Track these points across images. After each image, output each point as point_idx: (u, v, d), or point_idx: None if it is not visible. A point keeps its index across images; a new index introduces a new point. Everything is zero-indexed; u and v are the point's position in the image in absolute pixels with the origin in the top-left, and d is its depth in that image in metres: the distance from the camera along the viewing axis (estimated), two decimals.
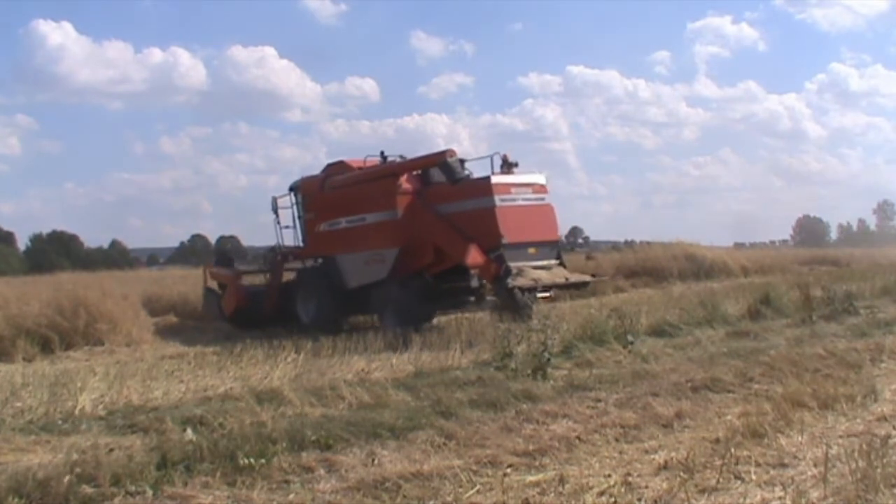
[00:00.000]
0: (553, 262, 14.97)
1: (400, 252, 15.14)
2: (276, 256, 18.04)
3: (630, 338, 10.39)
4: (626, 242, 53.17)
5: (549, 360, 8.77)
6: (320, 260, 16.87)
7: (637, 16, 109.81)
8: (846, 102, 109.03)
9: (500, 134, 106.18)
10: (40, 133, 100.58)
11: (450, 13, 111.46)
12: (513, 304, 14.02)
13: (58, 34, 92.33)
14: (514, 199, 14.66)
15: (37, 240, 61.98)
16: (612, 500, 4.62)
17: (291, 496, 4.88)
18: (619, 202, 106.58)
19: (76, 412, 7.35)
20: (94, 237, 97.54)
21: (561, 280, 14.72)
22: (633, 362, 9.27)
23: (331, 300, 16.02)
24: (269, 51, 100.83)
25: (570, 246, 16.92)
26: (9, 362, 12.27)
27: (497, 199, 14.35)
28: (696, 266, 27.44)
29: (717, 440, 5.77)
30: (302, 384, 8.36)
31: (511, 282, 13.77)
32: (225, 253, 20.66)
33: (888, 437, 5.69)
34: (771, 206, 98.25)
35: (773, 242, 68.86)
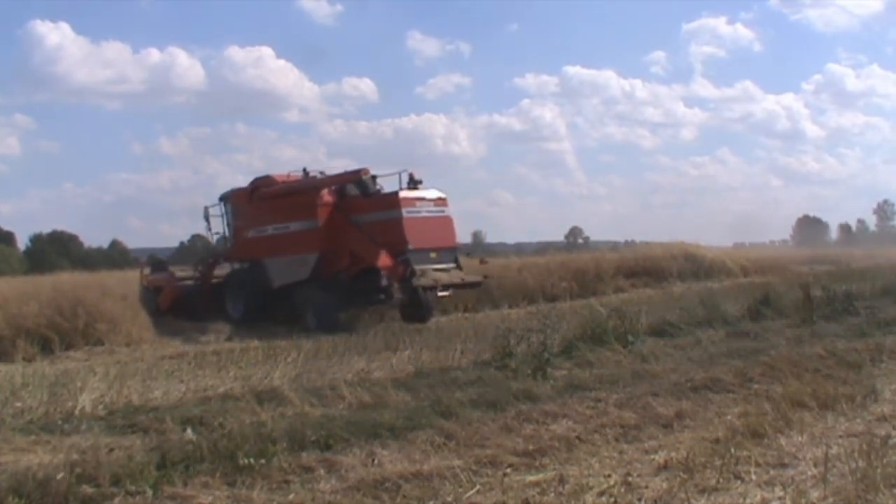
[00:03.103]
0: (451, 265, 17.28)
1: (320, 256, 17.21)
2: (207, 259, 20.38)
3: (630, 338, 10.40)
4: (626, 242, 53.30)
5: (549, 360, 8.78)
6: (247, 263, 18.92)
7: (632, 16, 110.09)
8: (843, 102, 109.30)
9: (498, 134, 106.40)
10: (39, 133, 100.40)
11: (446, 14, 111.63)
12: (417, 301, 16.90)
13: (56, 34, 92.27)
14: (418, 212, 16.87)
15: (37, 240, 61.81)
16: (612, 500, 4.62)
17: (291, 496, 4.88)
18: (618, 202, 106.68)
19: (76, 412, 7.34)
20: (93, 237, 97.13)
21: (458, 280, 17.07)
22: (633, 362, 9.26)
23: (257, 299, 17.91)
24: (267, 51, 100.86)
25: (467, 251, 20.32)
26: (9, 362, 12.24)
27: (403, 211, 16.57)
28: (696, 266, 27.44)
29: (717, 440, 5.77)
30: (302, 384, 8.35)
31: (415, 282, 16.07)
32: (159, 261, 23.49)
33: (888, 437, 5.69)
34: (770, 206, 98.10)
35: (772, 242, 68.78)
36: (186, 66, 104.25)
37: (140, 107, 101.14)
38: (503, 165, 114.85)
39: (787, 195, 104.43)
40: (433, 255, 16.88)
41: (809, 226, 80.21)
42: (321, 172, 18.81)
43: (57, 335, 13.75)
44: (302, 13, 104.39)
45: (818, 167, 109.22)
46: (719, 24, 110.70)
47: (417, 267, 16.23)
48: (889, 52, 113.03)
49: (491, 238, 73.45)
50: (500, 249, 54.82)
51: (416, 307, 17.12)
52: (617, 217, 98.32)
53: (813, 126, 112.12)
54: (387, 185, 17.58)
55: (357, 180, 17.31)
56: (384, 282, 16.55)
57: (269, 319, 17.07)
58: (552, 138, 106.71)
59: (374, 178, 17.43)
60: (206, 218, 19.96)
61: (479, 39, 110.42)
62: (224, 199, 19.79)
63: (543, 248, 53.01)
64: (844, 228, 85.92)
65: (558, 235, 79.78)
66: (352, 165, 18.54)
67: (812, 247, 53.23)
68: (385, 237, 16.54)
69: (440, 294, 17.06)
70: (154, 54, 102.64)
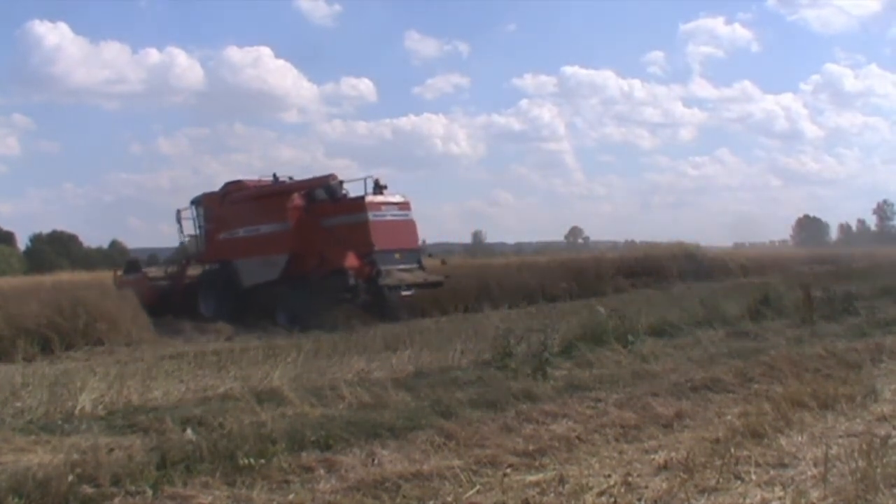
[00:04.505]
0: (414, 265, 18.55)
1: (290, 257, 18.27)
2: (180, 260, 21.23)
3: (630, 338, 10.39)
4: (626, 242, 53.36)
5: (548, 360, 8.77)
6: (218, 264, 19.82)
7: (630, 16, 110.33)
8: (842, 102, 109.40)
9: (497, 134, 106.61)
10: (38, 133, 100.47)
11: (443, 14, 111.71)
12: (382, 301, 17.80)
13: (54, 35, 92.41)
14: (383, 215, 18.13)
15: (37, 240, 61.83)
16: (612, 500, 4.62)
17: (291, 496, 4.88)
18: (617, 202, 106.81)
19: (76, 412, 7.32)
20: (93, 237, 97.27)
21: (420, 280, 18.31)
22: (633, 362, 9.25)
23: (228, 298, 18.76)
24: (265, 51, 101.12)
25: (428, 253, 21.69)
26: (9, 362, 12.21)
27: (370, 214, 17.83)
28: (696, 266, 27.47)
29: (717, 440, 5.77)
30: (302, 384, 8.33)
31: (381, 281, 17.29)
32: (133, 262, 23.88)
33: (888, 437, 5.69)
34: (769, 206, 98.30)
35: (772, 242, 68.85)
36: (185, 66, 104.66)
37: (139, 107, 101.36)
38: (502, 165, 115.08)
39: (787, 195, 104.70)
40: (397, 256, 18.09)
41: (809, 226, 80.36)
42: (290, 177, 19.84)
43: (57, 335, 13.74)
44: (300, 13, 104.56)
45: (817, 167, 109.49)
46: (717, 24, 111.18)
47: (383, 267, 17.43)
48: (887, 52, 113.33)
49: (491, 238, 73.66)
50: (500, 249, 54.94)
51: (382, 306, 17.78)
52: (617, 217, 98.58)
53: (812, 126, 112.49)
54: (353, 190, 18.82)
55: (325, 185, 18.61)
56: (352, 281, 17.46)
57: (241, 318, 17.56)
58: (551, 138, 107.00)
59: (341, 182, 18.76)
60: (179, 221, 20.83)
61: (476, 39, 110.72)
62: (196, 202, 20.66)
63: (543, 248, 53.08)
64: (844, 228, 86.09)
65: (558, 235, 79.97)
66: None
67: (812, 247, 53.36)
68: (352, 239, 17.62)
69: (404, 293, 18.04)
70: (153, 54, 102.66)
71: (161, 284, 20.41)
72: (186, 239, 21.05)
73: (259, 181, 20.00)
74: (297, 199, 18.75)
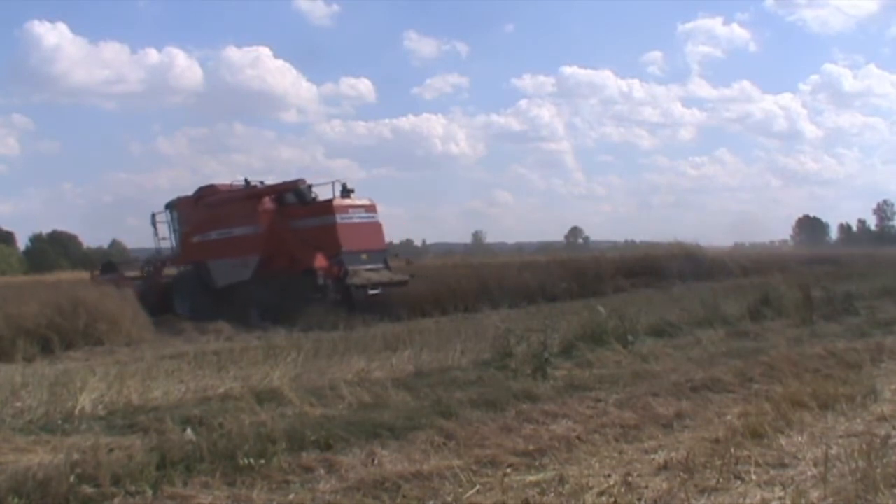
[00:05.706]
0: (380, 266, 19.50)
1: (261, 259, 19.06)
2: (156, 262, 21.79)
3: (630, 338, 10.38)
4: (625, 242, 53.38)
5: (549, 360, 8.76)
6: (192, 265, 20.39)
7: (628, 16, 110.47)
8: (841, 103, 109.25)
9: (497, 134, 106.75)
10: (37, 133, 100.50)
11: (442, 14, 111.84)
12: (350, 299, 18.61)
13: (53, 35, 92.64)
14: (350, 217, 19.07)
15: (37, 240, 61.84)
16: (612, 500, 4.62)
17: (291, 496, 4.88)
18: (617, 202, 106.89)
19: (76, 412, 7.31)
20: (93, 237, 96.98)
21: (386, 279, 19.26)
22: (633, 362, 9.25)
23: (203, 297, 19.31)
24: (264, 51, 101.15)
25: (395, 253, 23.12)
26: (9, 362, 12.21)
27: (337, 217, 18.78)
28: (696, 266, 27.40)
29: (717, 440, 5.77)
30: (302, 384, 8.32)
31: (349, 281, 18.24)
32: (109, 263, 24.70)
33: (888, 437, 5.69)
34: (769, 206, 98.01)
35: (772, 242, 68.76)
36: (184, 66, 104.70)
37: (138, 107, 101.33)
38: (502, 165, 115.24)
39: (787, 195, 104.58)
40: (364, 256, 18.96)
41: (809, 226, 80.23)
42: (261, 182, 20.67)
43: (57, 335, 13.75)
44: (299, 13, 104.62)
45: (817, 167, 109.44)
46: (715, 24, 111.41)
47: (350, 267, 18.33)
48: (886, 53, 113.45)
49: (491, 238, 73.64)
50: (500, 249, 54.96)
51: (350, 305, 18.45)
52: (616, 217, 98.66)
53: (811, 126, 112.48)
54: (322, 194, 19.71)
55: (295, 189, 19.56)
56: (321, 281, 18.34)
57: (216, 316, 17.79)
58: (550, 138, 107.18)
59: (310, 186, 19.72)
60: (154, 224, 21.49)
61: (475, 39, 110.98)
62: (170, 206, 21.29)
63: (543, 248, 53.06)
64: (844, 228, 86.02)
65: (558, 235, 79.91)
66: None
67: (812, 247, 53.31)
68: (321, 241, 18.51)
69: (371, 292, 18.85)
70: (152, 54, 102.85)
71: (137, 284, 20.74)
72: (173, 242, 21.40)
73: (231, 185, 20.79)
74: (267, 203, 19.56)
